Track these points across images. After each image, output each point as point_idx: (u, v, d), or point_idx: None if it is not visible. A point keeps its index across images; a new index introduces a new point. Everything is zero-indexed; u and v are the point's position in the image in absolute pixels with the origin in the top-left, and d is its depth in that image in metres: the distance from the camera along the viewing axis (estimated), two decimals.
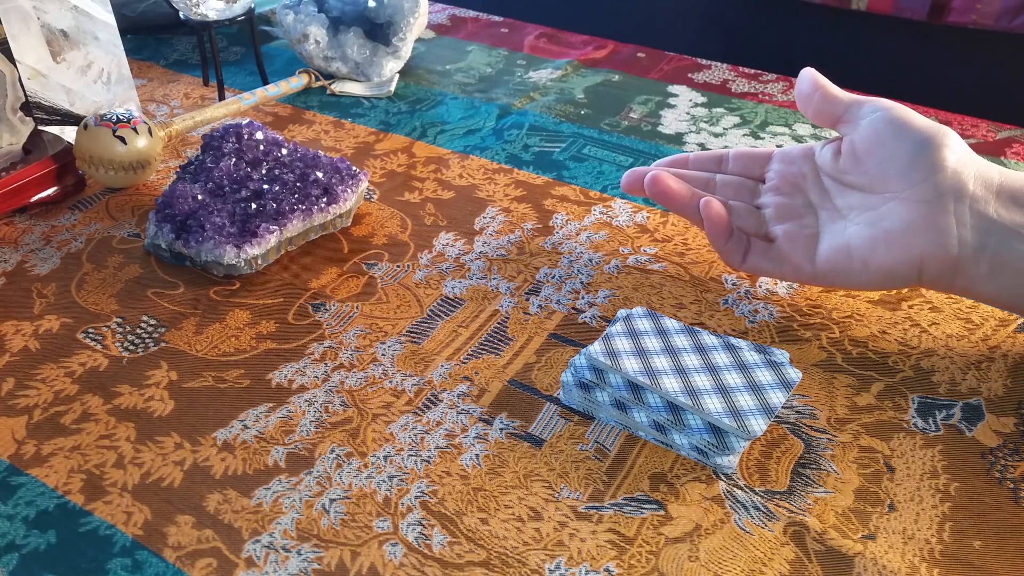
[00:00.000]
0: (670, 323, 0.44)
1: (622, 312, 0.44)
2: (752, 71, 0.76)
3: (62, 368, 0.45)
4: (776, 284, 0.51)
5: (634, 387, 0.40)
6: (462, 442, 0.40)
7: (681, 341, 0.42)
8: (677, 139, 0.66)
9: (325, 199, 0.53)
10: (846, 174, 0.45)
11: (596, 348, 0.41)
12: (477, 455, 0.40)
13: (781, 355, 0.42)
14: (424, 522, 0.37)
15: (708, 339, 0.42)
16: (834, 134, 0.53)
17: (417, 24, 0.75)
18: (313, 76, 0.73)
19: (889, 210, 0.42)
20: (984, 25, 0.90)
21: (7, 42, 0.56)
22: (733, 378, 0.40)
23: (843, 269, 0.43)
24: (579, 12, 1.21)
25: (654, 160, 0.63)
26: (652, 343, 0.42)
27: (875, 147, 0.43)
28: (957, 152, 0.41)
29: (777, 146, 0.65)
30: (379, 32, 0.75)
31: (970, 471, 0.39)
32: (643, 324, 0.43)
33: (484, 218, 0.57)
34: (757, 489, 0.38)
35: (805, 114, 0.47)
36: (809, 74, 0.47)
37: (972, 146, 0.65)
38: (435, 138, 0.67)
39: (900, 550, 0.35)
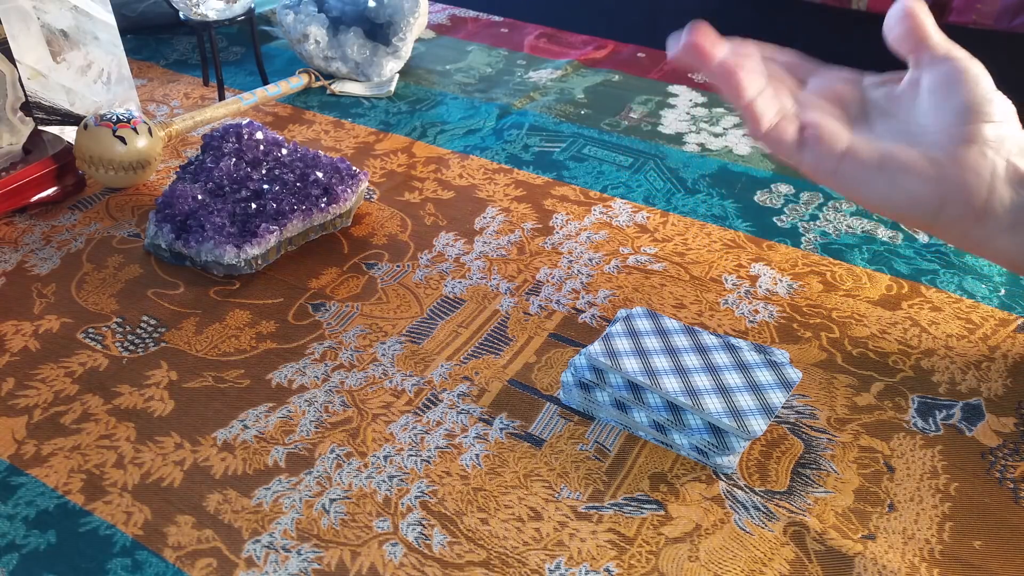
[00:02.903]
0: (670, 323, 0.44)
1: (622, 312, 0.44)
2: None
3: (62, 368, 0.45)
4: (776, 284, 0.51)
5: (634, 387, 0.40)
6: (462, 442, 0.40)
7: (681, 341, 0.42)
8: (677, 139, 0.66)
9: (325, 199, 0.53)
10: (895, 103, 0.43)
11: (596, 348, 0.41)
12: (477, 455, 0.40)
13: (781, 355, 0.42)
14: (424, 522, 0.37)
15: (708, 339, 0.42)
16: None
17: (417, 24, 0.75)
18: (313, 76, 0.73)
19: (929, 138, 0.40)
20: (984, 25, 0.90)
21: (7, 42, 0.56)
22: (733, 378, 0.40)
23: (868, 175, 0.41)
24: (579, 12, 1.21)
25: (654, 160, 0.63)
26: (652, 343, 0.42)
27: (937, 89, 0.41)
28: (1010, 117, 0.41)
29: None
30: (379, 32, 0.75)
31: (970, 471, 0.39)
32: (643, 324, 0.43)
33: (484, 218, 0.57)
34: (757, 489, 0.38)
35: (890, 37, 0.44)
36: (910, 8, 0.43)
37: None
38: (435, 138, 0.67)
39: (900, 550, 0.35)
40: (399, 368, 0.45)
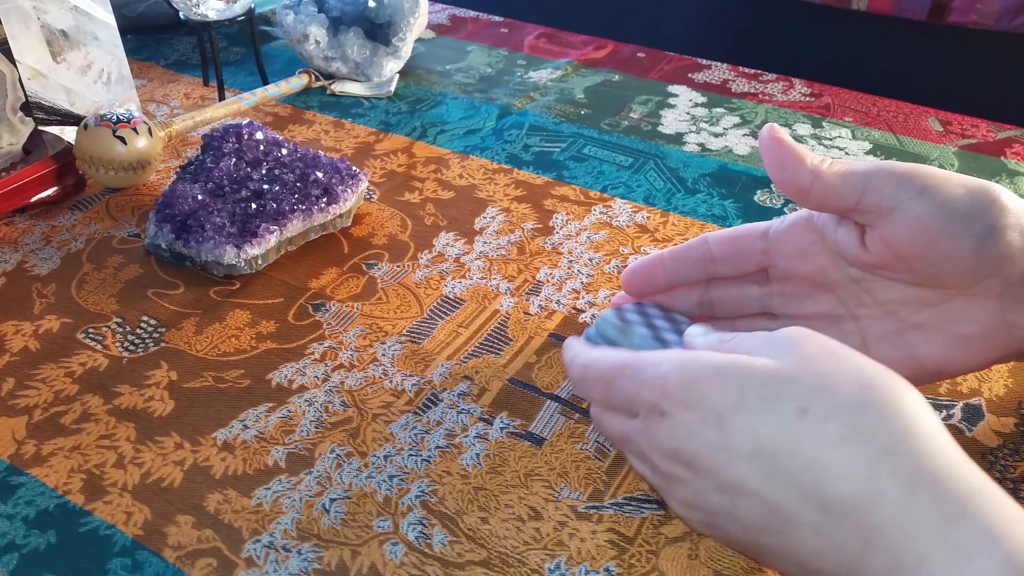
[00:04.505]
0: (656, 313, 0.41)
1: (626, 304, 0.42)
2: (752, 71, 0.76)
3: (62, 368, 0.45)
4: None
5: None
6: (462, 442, 0.40)
7: (669, 335, 0.40)
8: (677, 139, 0.66)
9: (325, 199, 0.53)
10: (886, 270, 0.36)
11: (590, 332, 0.40)
12: (477, 454, 0.40)
13: None
14: (424, 521, 0.37)
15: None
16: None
17: (417, 24, 0.75)
18: (313, 76, 0.73)
19: (955, 310, 0.35)
20: (984, 25, 0.90)
21: (7, 42, 0.56)
22: None
23: (910, 377, 0.35)
24: (579, 12, 1.21)
25: (654, 160, 0.63)
26: (642, 330, 0.40)
27: (924, 249, 0.34)
28: (1019, 227, 0.33)
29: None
30: (379, 32, 0.75)
31: None
32: (633, 315, 0.41)
33: (484, 218, 0.57)
34: None
35: (786, 194, 0.36)
36: (776, 147, 0.35)
37: (972, 146, 0.65)
38: (435, 138, 0.67)
39: None
40: (399, 368, 0.45)
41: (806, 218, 0.37)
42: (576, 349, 0.36)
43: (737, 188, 0.60)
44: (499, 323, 0.48)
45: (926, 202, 0.33)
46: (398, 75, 0.76)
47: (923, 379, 0.36)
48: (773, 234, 0.38)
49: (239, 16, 0.70)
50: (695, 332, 0.35)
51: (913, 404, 0.27)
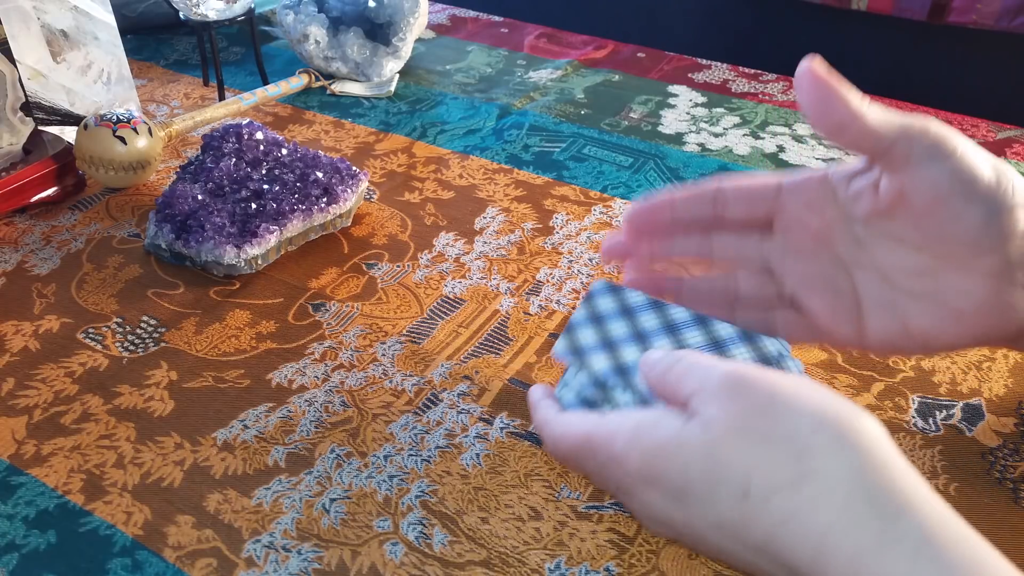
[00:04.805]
0: (634, 298, 0.39)
1: (593, 286, 0.40)
2: (752, 71, 0.76)
3: (62, 368, 0.45)
4: None
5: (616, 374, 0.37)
6: (462, 442, 0.40)
7: (649, 321, 0.38)
8: (677, 139, 0.66)
9: (325, 199, 0.53)
10: (890, 224, 0.35)
11: (560, 347, 0.38)
12: (477, 454, 0.40)
13: (776, 344, 0.37)
14: (424, 521, 0.37)
15: (678, 314, 0.38)
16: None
17: (417, 24, 0.75)
18: (313, 76, 0.73)
19: (951, 282, 0.34)
20: (984, 25, 0.90)
21: (7, 42, 0.56)
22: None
23: (900, 346, 0.36)
24: (579, 12, 1.21)
25: (654, 160, 0.63)
26: (619, 329, 0.38)
27: (937, 206, 0.34)
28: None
29: (779, 149, 0.65)
30: (379, 32, 0.75)
31: (970, 471, 0.39)
32: (606, 304, 0.39)
33: (484, 218, 0.57)
34: None
35: (820, 131, 0.35)
36: (818, 83, 0.35)
37: None
38: (435, 138, 0.67)
39: None
40: (399, 368, 0.45)
41: (821, 174, 0.37)
42: (543, 415, 0.35)
43: None
44: (499, 323, 0.48)
45: (952, 164, 0.33)
46: (398, 75, 0.76)
47: (911, 350, 0.37)
48: (787, 184, 0.38)
49: (239, 16, 0.70)
50: (649, 361, 0.34)
51: (854, 457, 0.27)
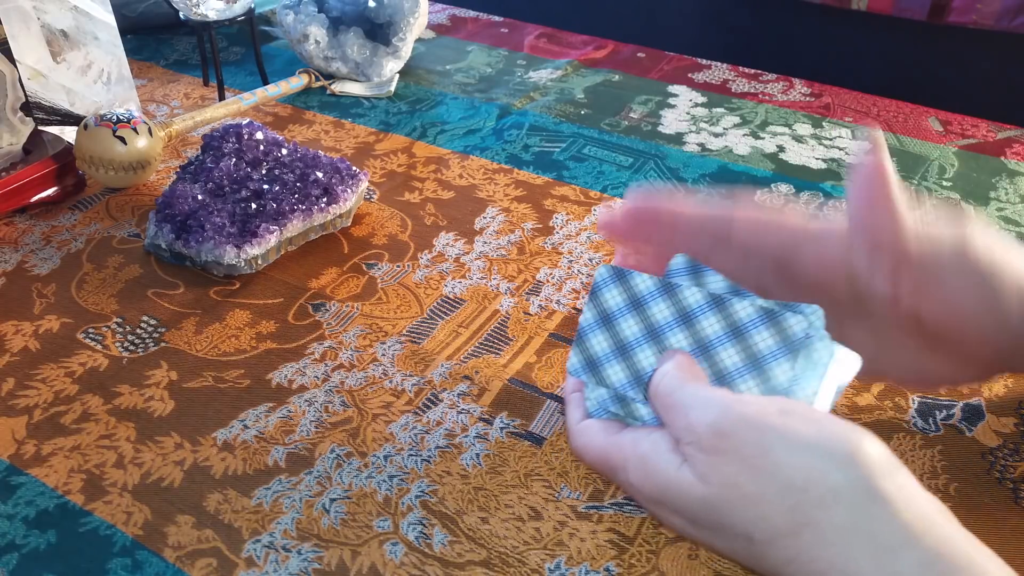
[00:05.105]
0: (643, 285, 0.36)
1: (597, 274, 0.37)
2: (752, 71, 0.76)
3: (62, 368, 0.45)
4: None
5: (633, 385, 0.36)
6: (462, 442, 0.40)
7: (661, 312, 0.35)
8: (677, 139, 0.66)
9: (325, 199, 0.53)
10: (897, 309, 0.35)
11: (573, 361, 0.36)
12: (477, 454, 0.40)
13: (801, 322, 0.32)
14: (424, 521, 0.37)
15: (691, 298, 0.35)
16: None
17: (417, 24, 0.75)
18: (313, 76, 0.73)
19: (954, 358, 0.36)
20: (984, 25, 0.90)
21: (7, 42, 0.56)
22: (730, 356, 0.33)
23: (916, 386, 0.38)
24: (579, 12, 1.21)
25: (654, 160, 0.63)
26: (631, 328, 0.36)
27: (949, 323, 0.34)
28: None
29: (779, 149, 0.65)
30: (379, 32, 0.75)
31: (970, 471, 0.39)
32: (614, 299, 0.36)
33: (484, 218, 0.57)
34: None
35: (855, 227, 0.34)
36: (873, 179, 0.33)
37: (972, 146, 0.65)
38: (435, 138, 0.67)
39: None
40: (399, 368, 0.45)
41: (842, 231, 0.35)
42: (568, 420, 0.37)
43: (737, 188, 0.60)
44: (499, 323, 0.48)
45: (985, 298, 0.33)
46: (398, 75, 0.76)
47: (931, 385, 0.38)
48: (804, 232, 0.36)
49: (239, 16, 0.70)
50: (654, 383, 0.34)
51: (851, 497, 0.27)
